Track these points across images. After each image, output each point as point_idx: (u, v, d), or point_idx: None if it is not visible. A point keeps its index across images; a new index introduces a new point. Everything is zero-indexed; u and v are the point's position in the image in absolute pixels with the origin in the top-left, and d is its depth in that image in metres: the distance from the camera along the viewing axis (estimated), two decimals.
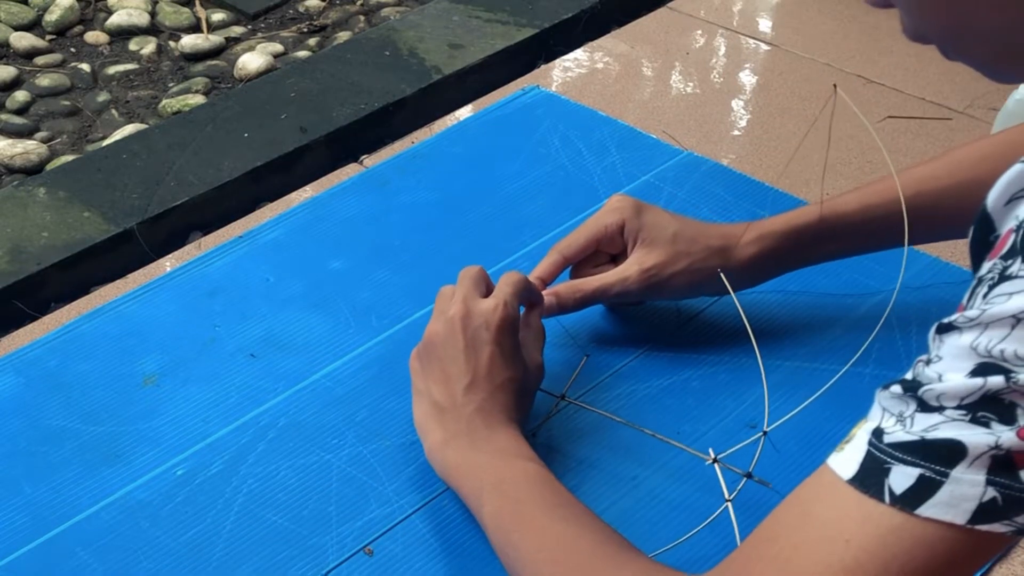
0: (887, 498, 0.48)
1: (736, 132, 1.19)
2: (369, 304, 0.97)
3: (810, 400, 0.78)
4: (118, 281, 1.02)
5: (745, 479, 0.76)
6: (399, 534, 0.77)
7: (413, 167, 1.14)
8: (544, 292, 0.86)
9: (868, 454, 0.49)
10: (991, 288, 0.47)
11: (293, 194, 1.12)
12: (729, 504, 0.75)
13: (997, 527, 0.46)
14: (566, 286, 0.87)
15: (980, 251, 0.50)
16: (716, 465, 0.78)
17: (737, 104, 1.24)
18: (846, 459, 0.50)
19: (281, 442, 0.84)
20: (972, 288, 0.49)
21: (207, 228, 1.09)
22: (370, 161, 1.17)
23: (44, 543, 0.77)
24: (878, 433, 0.49)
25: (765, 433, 0.77)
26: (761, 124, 1.20)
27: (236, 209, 1.12)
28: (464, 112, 1.24)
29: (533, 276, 0.87)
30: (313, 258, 1.02)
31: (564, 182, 1.11)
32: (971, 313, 0.47)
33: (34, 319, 0.98)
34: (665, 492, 0.80)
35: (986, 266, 0.48)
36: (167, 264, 1.03)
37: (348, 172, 1.15)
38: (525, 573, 0.66)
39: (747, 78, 1.29)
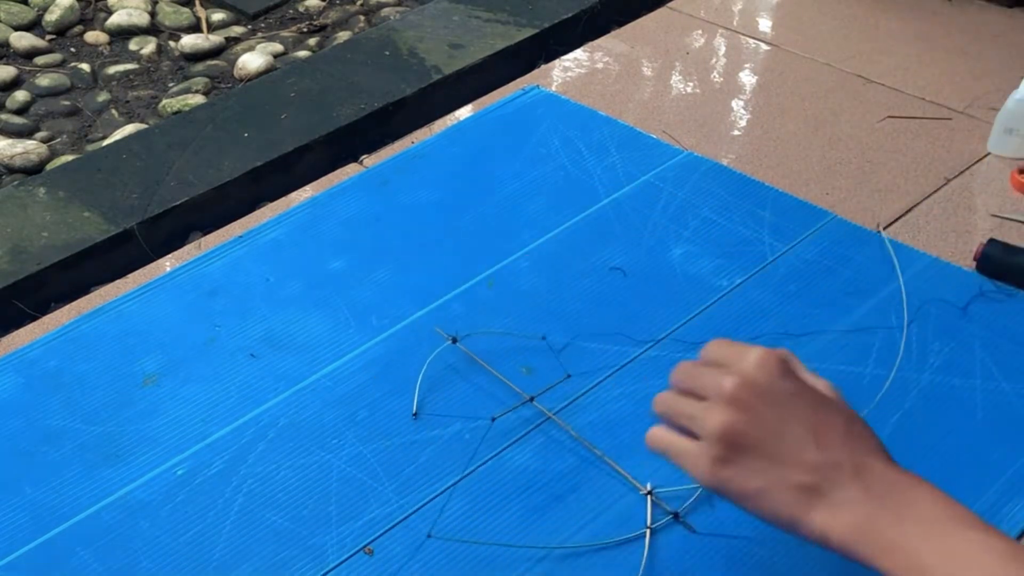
0: None
1: (736, 132, 1.19)
2: (369, 304, 0.97)
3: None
4: (118, 281, 1.02)
5: (670, 517, 0.77)
6: (399, 534, 0.77)
7: (413, 167, 1.14)
8: None
9: None
10: None
11: (293, 194, 1.12)
12: (648, 532, 0.75)
13: None
14: None
15: None
16: (649, 497, 0.78)
17: (737, 104, 1.24)
18: None
19: (281, 442, 0.84)
20: None
21: (207, 228, 1.09)
22: (370, 161, 1.17)
23: (44, 543, 0.77)
24: None
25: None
26: (761, 124, 1.20)
27: (236, 209, 1.12)
28: (464, 112, 1.24)
29: None
30: (313, 258, 1.02)
31: (564, 182, 1.11)
32: None
33: (34, 319, 0.98)
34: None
35: None
36: (167, 264, 1.03)
37: (348, 172, 1.15)
38: None
39: (747, 78, 1.29)
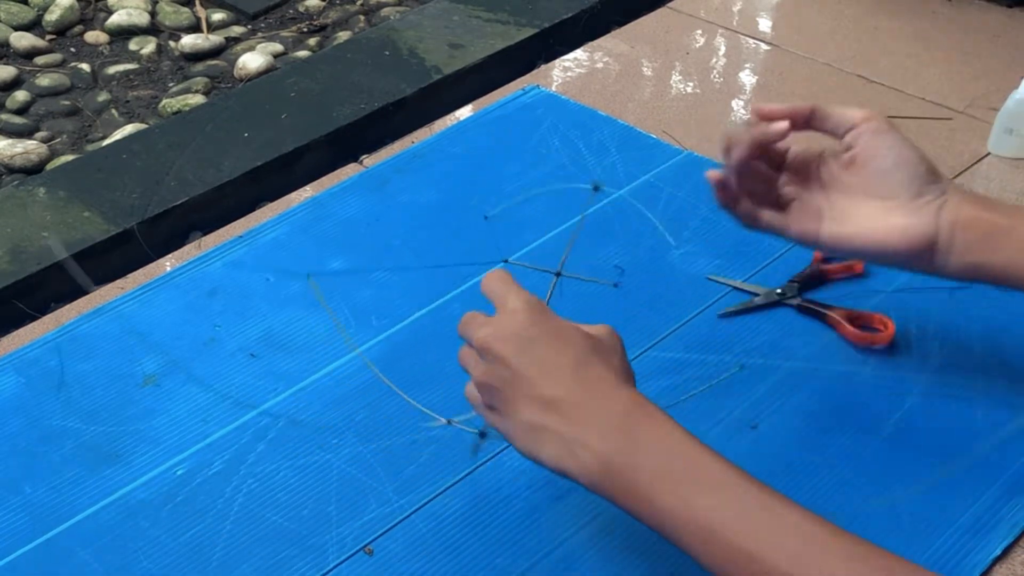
0: None
1: None
2: (369, 304, 0.97)
3: None
4: (118, 281, 1.02)
5: (480, 436, 0.76)
6: (399, 534, 0.77)
7: (413, 167, 1.14)
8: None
9: None
10: None
11: (293, 194, 1.12)
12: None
13: None
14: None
15: None
16: (452, 424, 0.81)
17: (737, 104, 1.24)
18: None
19: (281, 442, 0.84)
20: None
21: (207, 228, 1.09)
22: (370, 161, 1.17)
23: (44, 543, 0.77)
24: None
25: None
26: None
27: (236, 209, 1.12)
28: (464, 112, 1.24)
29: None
30: (313, 258, 1.02)
31: (564, 182, 1.11)
32: None
33: (34, 319, 0.98)
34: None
35: None
36: (167, 264, 1.03)
37: (348, 172, 1.15)
38: None
39: (747, 78, 1.29)
